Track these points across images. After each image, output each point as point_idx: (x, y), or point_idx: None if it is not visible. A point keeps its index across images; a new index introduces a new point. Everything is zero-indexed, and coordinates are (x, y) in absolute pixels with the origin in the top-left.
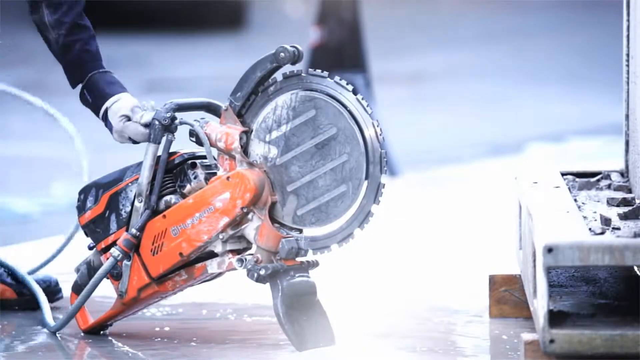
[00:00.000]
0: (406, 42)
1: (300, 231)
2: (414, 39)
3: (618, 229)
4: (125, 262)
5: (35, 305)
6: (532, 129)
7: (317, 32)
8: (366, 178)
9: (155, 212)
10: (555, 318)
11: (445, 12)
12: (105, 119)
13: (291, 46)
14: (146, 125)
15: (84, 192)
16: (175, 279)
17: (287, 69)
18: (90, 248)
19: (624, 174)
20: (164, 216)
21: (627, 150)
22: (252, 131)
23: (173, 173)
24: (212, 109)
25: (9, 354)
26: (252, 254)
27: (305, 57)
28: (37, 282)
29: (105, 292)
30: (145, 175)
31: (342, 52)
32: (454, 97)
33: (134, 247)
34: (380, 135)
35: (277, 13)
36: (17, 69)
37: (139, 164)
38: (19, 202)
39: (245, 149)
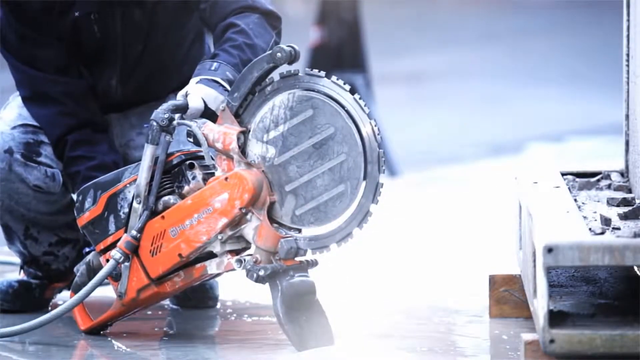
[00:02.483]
0: (406, 42)
1: (299, 231)
2: (414, 39)
3: (618, 229)
4: (124, 263)
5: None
6: (532, 129)
7: (317, 32)
8: (364, 178)
9: (153, 213)
10: (555, 318)
11: (445, 12)
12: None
13: (287, 46)
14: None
15: (82, 193)
16: (175, 279)
17: (284, 68)
18: (86, 253)
19: (624, 174)
20: (163, 217)
21: (627, 150)
22: (249, 131)
23: (171, 174)
24: None
25: (8, 354)
26: (251, 254)
27: (305, 57)
28: None
29: (105, 292)
30: (143, 176)
31: (342, 52)
32: (454, 97)
33: (135, 248)
34: (377, 134)
35: None
36: None
37: (137, 165)
38: None
39: (243, 149)
